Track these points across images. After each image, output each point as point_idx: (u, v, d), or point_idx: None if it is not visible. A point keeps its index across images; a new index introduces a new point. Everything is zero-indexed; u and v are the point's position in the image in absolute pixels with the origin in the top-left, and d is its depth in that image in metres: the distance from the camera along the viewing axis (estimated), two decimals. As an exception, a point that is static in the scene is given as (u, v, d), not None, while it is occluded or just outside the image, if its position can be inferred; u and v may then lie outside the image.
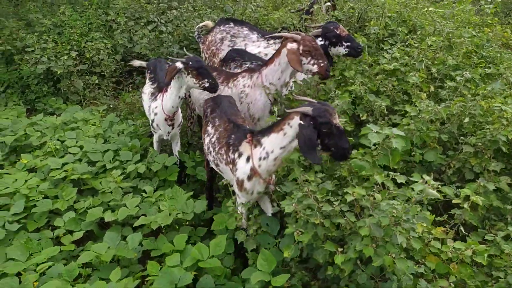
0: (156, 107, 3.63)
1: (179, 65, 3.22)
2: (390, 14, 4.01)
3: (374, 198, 2.18)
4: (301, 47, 3.13)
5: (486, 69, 3.54)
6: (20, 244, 2.75)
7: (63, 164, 3.70)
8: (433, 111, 2.79)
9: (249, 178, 2.63)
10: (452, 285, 2.08)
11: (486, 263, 2.11)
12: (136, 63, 4.43)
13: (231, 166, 2.76)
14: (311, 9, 4.92)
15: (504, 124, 2.59)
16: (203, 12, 5.51)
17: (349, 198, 2.23)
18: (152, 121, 3.69)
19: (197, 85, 3.23)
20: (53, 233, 3.04)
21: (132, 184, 3.54)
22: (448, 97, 3.26)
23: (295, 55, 3.10)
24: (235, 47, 4.61)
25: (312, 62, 3.17)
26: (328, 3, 4.78)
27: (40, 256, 2.68)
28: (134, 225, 3.02)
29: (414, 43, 3.74)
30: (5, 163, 3.94)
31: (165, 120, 3.60)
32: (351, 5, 4.43)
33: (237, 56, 3.90)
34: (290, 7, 5.09)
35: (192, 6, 5.73)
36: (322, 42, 3.70)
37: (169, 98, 3.44)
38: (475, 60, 3.72)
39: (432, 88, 3.34)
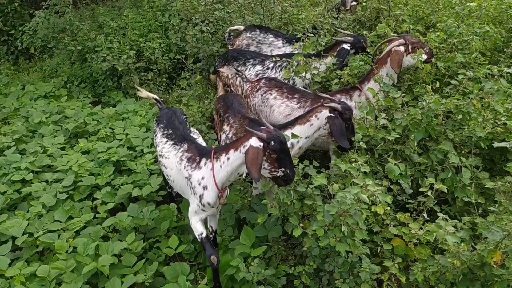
0: (203, 178, 2.69)
1: (254, 143, 2.41)
2: (408, 13, 4.09)
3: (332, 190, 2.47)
4: (409, 46, 3.38)
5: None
6: (64, 210, 3.46)
7: (108, 148, 4.40)
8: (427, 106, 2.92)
9: None
10: (396, 265, 2.29)
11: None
12: (143, 94, 3.78)
13: None
14: (342, 6, 5.11)
15: (479, 121, 2.67)
16: (240, 13, 5.94)
17: (316, 183, 2.55)
18: (201, 197, 2.70)
19: (267, 171, 2.51)
20: (92, 203, 3.73)
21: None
22: (450, 94, 3.33)
23: (399, 57, 3.32)
24: (261, 52, 4.99)
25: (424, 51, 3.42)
26: (354, 2, 4.94)
27: (77, 219, 3.36)
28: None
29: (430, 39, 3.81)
30: (66, 146, 4.76)
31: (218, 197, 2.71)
32: (373, 5, 4.56)
33: (239, 55, 4.27)
34: (325, 5, 5.31)
35: (230, 9, 6.17)
36: (349, 49, 3.92)
37: (226, 171, 2.60)
38: (493, 57, 3.70)
39: (438, 84, 3.43)
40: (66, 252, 3.00)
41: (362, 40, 3.85)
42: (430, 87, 3.29)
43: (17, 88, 6.59)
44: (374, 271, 2.33)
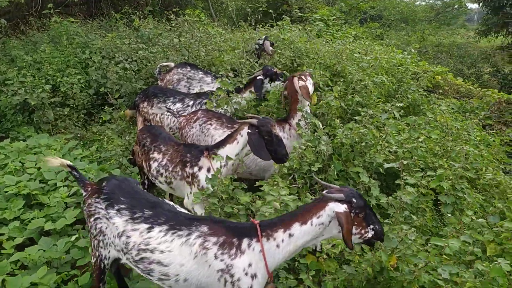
0: (250, 266, 2.10)
1: (339, 208, 2.04)
2: (320, 61, 4.69)
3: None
4: (303, 77, 3.78)
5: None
6: (-37, 245, 3.14)
7: (18, 182, 4.12)
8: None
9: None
10: (311, 277, 2.49)
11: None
12: (56, 161, 2.87)
13: (189, 179, 3.19)
14: (260, 53, 5.58)
15: (378, 149, 3.11)
16: (164, 54, 6.17)
17: (242, 201, 2.72)
18: None
19: (358, 236, 2.14)
20: (-3, 239, 3.43)
21: (77, 200, 3.96)
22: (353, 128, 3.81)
23: (306, 89, 3.69)
24: (191, 88, 5.22)
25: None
26: (271, 48, 5.45)
27: (-21, 256, 3.07)
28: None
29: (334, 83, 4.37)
30: (-32, 180, 4.34)
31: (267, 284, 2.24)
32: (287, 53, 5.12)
33: (159, 92, 4.47)
34: (243, 48, 5.75)
35: (155, 49, 6.38)
36: (263, 78, 4.33)
37: (286, 252, 2.13)
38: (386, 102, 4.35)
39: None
40: (-36, 291, 2.72)
41: (270, 68, 4.29)
42: (338, 120, 3.75)
43: None
44: (291, 284, 2.50)
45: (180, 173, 3.28)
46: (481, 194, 3.36)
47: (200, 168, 3.16)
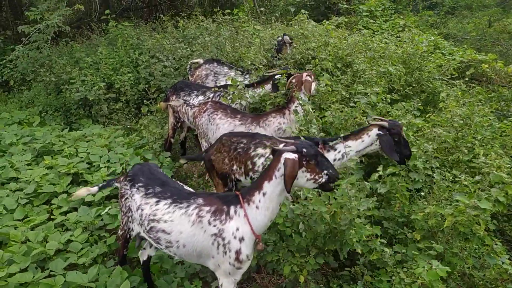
0: (238, 229, 2.45)
1: (289, 155, 2.32)
2: (330, 54, 4.98)
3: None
4: (312, 76, 4.18)
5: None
6: (22, 209, 3.98)
7: (69, 163, 4.96)
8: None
9: None
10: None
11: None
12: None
13: None
14: (280, 48, 5.97)
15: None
16: (200, 52, 6.79)
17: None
18: (237, 252, 2.44)
19: (312, 181, 2.43)
20: (49, 207, 4.24)
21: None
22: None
23: (310, 84, 4.09)
24: (217, 82, 5.78)
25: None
26: (291, 42, 5.81)
27: (33, 218, 3.88)
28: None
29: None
30: (33, 163, 5.30)
31: (255, 244, 2.52)
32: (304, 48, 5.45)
33: (185, 86, 5.02)
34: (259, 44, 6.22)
35: (195, 48, 7.03)
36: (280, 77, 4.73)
37: (265, 209, 2.43)
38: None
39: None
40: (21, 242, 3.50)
41: (289, 67, 4.68)
42: (334, 106, 4.07)
43: (-7, 115, 7.14)
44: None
45: None
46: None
47: None
